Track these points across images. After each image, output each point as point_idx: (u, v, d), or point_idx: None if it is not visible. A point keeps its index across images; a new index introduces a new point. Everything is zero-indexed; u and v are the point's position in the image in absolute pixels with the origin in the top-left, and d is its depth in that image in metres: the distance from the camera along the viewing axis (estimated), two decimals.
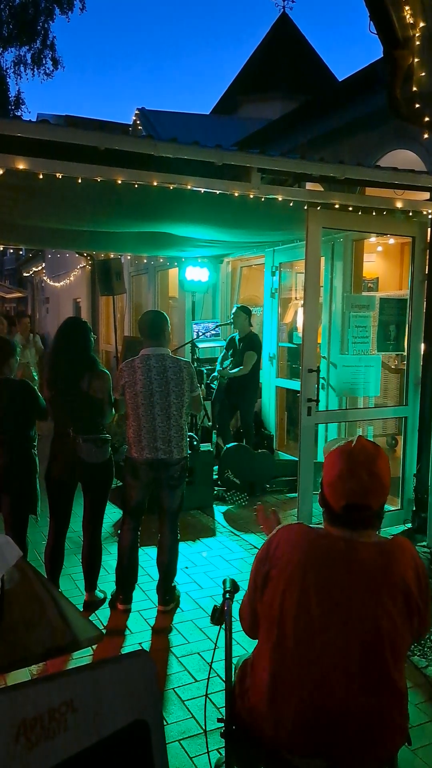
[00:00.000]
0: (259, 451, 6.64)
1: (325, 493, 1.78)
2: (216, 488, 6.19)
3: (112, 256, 9.24)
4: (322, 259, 5.04)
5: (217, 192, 3.98)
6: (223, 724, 1.86)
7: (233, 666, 1.95)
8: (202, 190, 3.91)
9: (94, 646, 3.33)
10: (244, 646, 3.30)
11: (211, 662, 2.65)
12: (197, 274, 7.79)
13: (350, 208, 4.64)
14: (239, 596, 2.00)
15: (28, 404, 3.87)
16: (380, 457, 1.76)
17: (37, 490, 3.97)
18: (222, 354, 7.22)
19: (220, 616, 1.96)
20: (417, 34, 4.83)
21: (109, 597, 4.06)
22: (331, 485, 1.75)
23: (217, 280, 8.57)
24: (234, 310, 6.95)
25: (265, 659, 1.78)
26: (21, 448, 3.86)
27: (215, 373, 7.01)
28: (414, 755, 2.69)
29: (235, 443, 6.51)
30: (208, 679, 2.78)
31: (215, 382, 7.00)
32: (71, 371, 3.78)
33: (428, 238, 4.96)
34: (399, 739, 1.76)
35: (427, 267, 4.98)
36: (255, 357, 6.69)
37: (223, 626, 1.94)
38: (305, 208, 4.50)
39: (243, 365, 6.65)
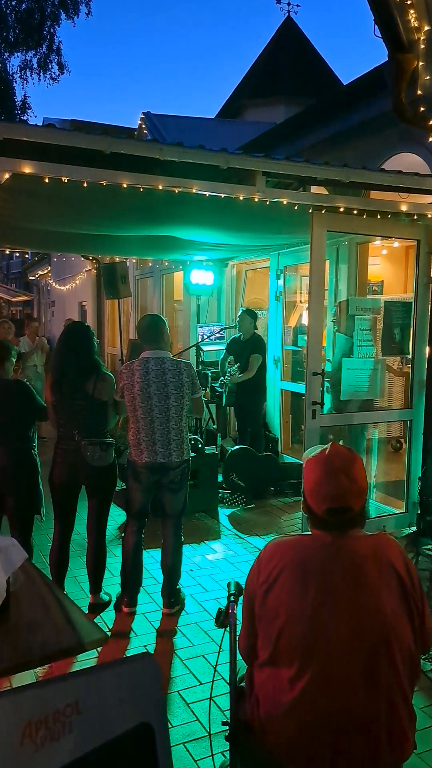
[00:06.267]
0: (264, 454, 6.64)
1: (307, 499, 1.84)
2: (221, 491, 6.19)
3: (117, 259, 9.26)
4: (327, 262, 5.03)
5: (222, 195, 3.99)
6: (227, 727, 1.85)
7: (237, 669, 1.94)
8: (207, 193, 3.92)
9: (98, 649, 3.34)
10: None
11: (216, 665, 2.65)
12: (202, 277, 7.79)
13: (355, 212, 4.64)
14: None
15: (25, 404, 3.89)
16: (356, 460, 1.82)
17: (40, 490, 3.98)
18: (223, 356, 7.21)
19: (224, 618, 1.96)
20: (422, 38, 4.84)
21: (114, 599, 4.07)
22: (312, 491, 1.82)
23: (222, 283, 8.58)
24: (239, 314, 6.96)
25: (270, 670, 1.77)
26: (21, 449, 3.88)
27: (222, 378, 7.01)
28: (419, 759, 2.68)
29: (240, 446, 6.51)
30: (213, 681, 2.79)
31: (222, 387, 6.99)
32: (77, 374, 3.79)
33: None
34: (406, 746, 1.74)
35: (431, 270, 4.97)
36: (260, 360, 6.69)
37: (228, 629, 1.94)
38: (310, 211, 4.50)
39: (248, 369, 6.65)
